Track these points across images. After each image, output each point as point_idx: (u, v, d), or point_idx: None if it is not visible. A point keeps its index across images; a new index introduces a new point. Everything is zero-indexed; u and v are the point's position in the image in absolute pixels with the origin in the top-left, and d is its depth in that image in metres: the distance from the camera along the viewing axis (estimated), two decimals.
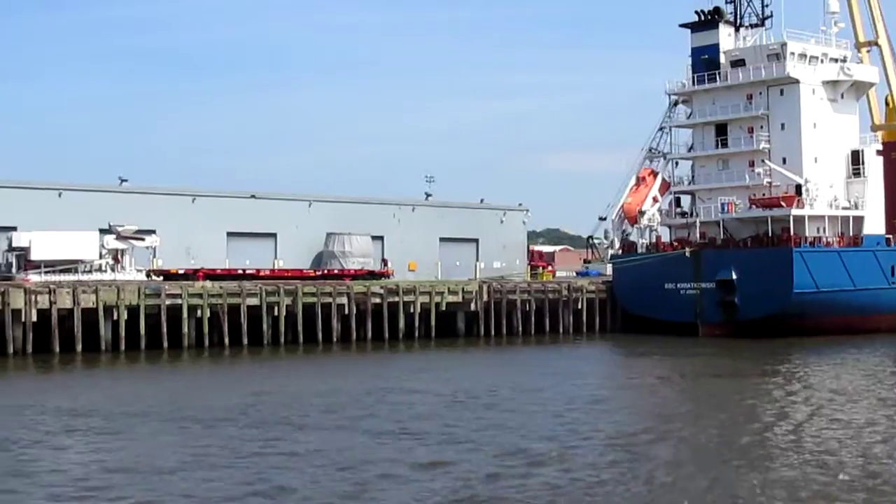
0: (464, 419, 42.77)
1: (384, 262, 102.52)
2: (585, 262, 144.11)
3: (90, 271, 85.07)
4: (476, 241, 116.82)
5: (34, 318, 72.10)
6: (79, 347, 72.92)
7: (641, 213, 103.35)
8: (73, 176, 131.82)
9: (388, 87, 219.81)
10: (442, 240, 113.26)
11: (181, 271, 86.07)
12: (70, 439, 38.96)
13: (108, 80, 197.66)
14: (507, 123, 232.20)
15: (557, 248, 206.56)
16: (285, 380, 60.02)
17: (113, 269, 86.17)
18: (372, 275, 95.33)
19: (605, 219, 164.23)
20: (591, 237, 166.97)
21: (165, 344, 76.14)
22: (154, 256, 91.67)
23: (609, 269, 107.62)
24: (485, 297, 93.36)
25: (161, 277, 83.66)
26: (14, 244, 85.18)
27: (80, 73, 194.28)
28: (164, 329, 76.31)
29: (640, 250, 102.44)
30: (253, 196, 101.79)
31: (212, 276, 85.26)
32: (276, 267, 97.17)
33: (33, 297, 72.23)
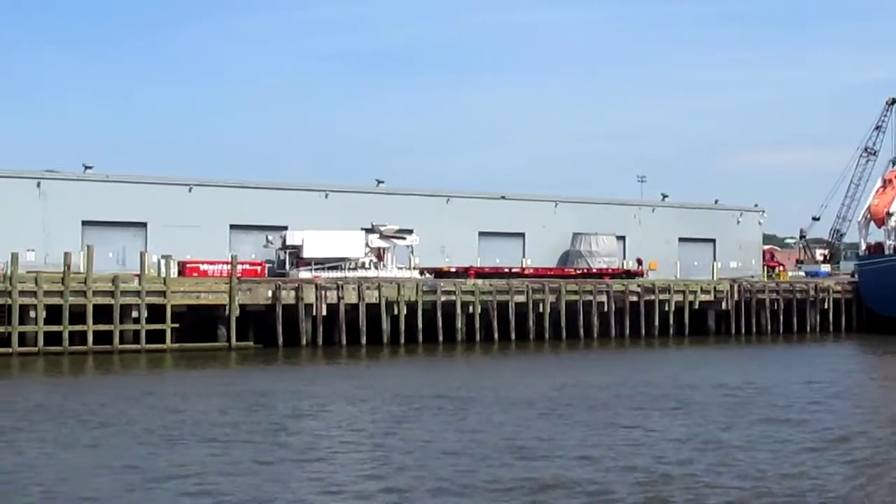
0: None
1: (638, 261, 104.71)
2: (798, 262, 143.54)
3: (355, 269, 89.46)
4: (713, 241, 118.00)
5: (324, 313, 76.81)
6: (363, 339, 77.36)
7: (889, 214, 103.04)
8: (335, 178, 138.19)
9: (576, 84, 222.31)
10: (681, 240, 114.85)
11: (453, 269, 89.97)
12: (432, 417, 42.35)
13: (302, 80, 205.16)
14: (697, 121, 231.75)
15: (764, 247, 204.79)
16: (575, 372, 62.79)
17: (376, 267, 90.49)
18: (628, 274, 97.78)
19: (818, 219, 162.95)
20: (804, 237, 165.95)
21: (441, 338, 80.00)
22: (413, 255, 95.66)
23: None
24: (735, 296, 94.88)
25: (433, 275, 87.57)
26: (287, 242, 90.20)
27: (276, 74, 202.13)
28: (440, 324, 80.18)
29: (887, 252, 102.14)
30: (503, 197, 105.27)
31: (481, 274, 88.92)
32: (524, 266, 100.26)
33: (323, 292, 76.98)
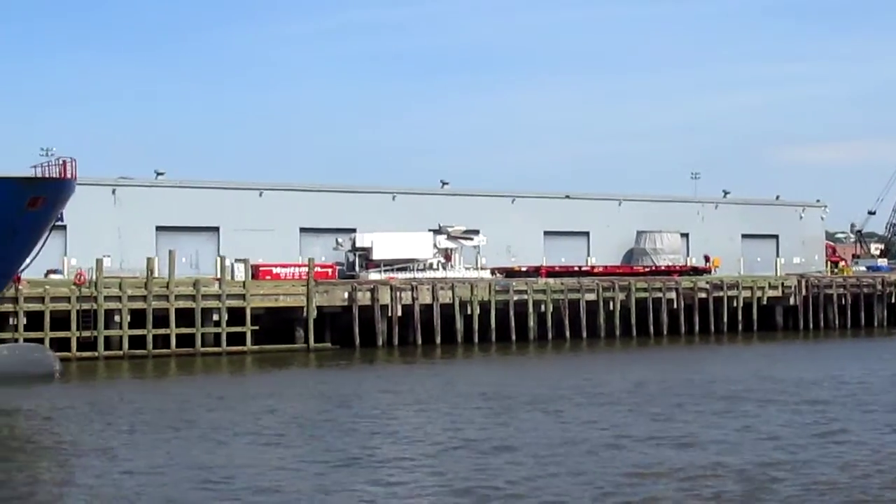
0: None
1: (706, 258, 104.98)
2: (855, 256, 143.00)
3: (423, 269, 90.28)
4: (776, 237, 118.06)
5: (399, 313, 77.78)
6: (438, 339, 78.27)
7: None
8: (401, 180, 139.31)
9: (622, 82, 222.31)
10: (744, 236, 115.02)
11: (524, 268, 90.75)
12: (532, 414, 43.13)
13: (344, 83, 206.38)
14: (745, 116, 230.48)
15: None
16: (652, 368, 63.35)
17: (444, 268, 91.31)
18: (695, 270, 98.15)
19: (874, 213, 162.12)
20: (859, 231, 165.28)
21: (513, 336, 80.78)
22: (479, 255, 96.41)
23: None
24: (803, 292, 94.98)
25: (504, 275, 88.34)
26: (357, 245, 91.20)
27: (324, 77, 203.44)
28: (513, 323, 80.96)
29: None
30: (567, 196, 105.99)
31: (551, 273, 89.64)
32: (590, 264, 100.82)
33: (398, 293, 77.95)
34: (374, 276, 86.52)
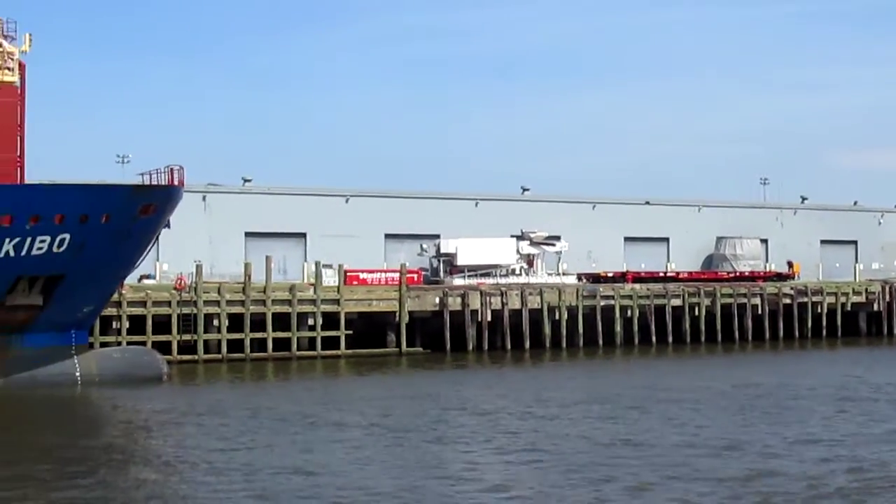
0: None
1: (789, 263, 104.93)
2: None
3: (506, 275, 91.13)
4: (854, 242, 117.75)
5: (489, 318, 78.74)
6: (527, 344, 79.13)
7: None
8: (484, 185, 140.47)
9: (678, 86, 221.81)
10: (822, 242, 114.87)
11: (610, 274, 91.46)
12: (643, 415, 43.93)
13: (404, 88, 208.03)
14: (809, 121, 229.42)
15: None
16: (750, 371, 63.95)
17: (526, 273, 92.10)
18: (779, 276, 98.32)
19: None
20: None
21: (601, 341, 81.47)
22: (560, 260, 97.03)
23: None
24: (887, 298, 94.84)
25: (590, 280, 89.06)
26: (442, 250, 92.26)
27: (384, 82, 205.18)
28: (600, 327, 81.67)
29: None
30: (647, 202, 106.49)
31: (637, 278, 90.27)
32: (669, 270, 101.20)
33: (488, 298, 78.92)
34: (458, 281, 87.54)
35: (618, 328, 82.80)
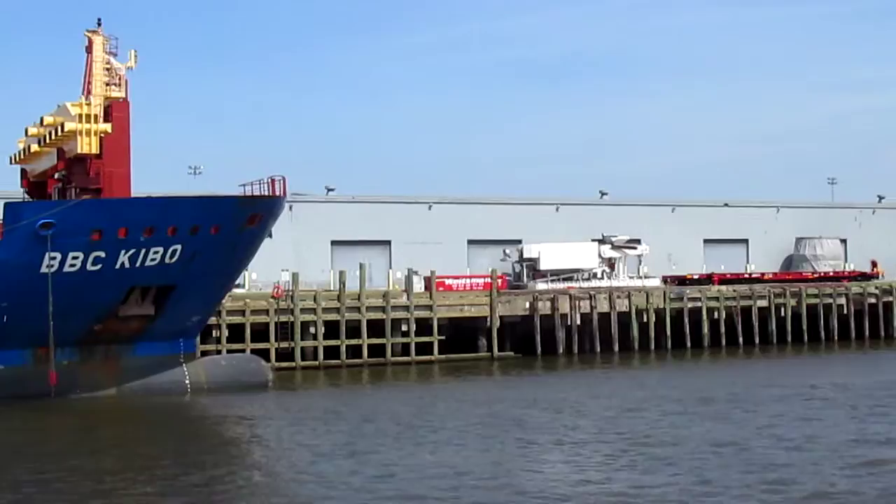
0: None
1: (873, 263, 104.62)
2: None
3: (588, 279, 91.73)
4: None
5: (578, 322, 79.52)
6: (616, 347, 79.81)
7: None
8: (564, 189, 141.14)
9: (733, 87, 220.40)
10: None
11: (695, 276, 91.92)
12: (753, 416, 44.58)
13: (481, 92, 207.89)
14: (869, 119, 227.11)
15: None
16: (833, 374, 64.26)
17: (608, 277, 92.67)
18: (863, 276, 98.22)
19: None
20: None
21: (688, 343, 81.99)
22: (641, 263, 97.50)
23: None
24: None
25: (676, 283, 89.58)
26: (524, 255, 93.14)
27: (451, 88, 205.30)
28: (687, 329, 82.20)
29: None
30: (726, 204, 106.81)
31: (723, 280, 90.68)
32: (748, 271, 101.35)
33: (577, 302, 79.72)
34: (541, 285, 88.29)
35: (705, 330, 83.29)
